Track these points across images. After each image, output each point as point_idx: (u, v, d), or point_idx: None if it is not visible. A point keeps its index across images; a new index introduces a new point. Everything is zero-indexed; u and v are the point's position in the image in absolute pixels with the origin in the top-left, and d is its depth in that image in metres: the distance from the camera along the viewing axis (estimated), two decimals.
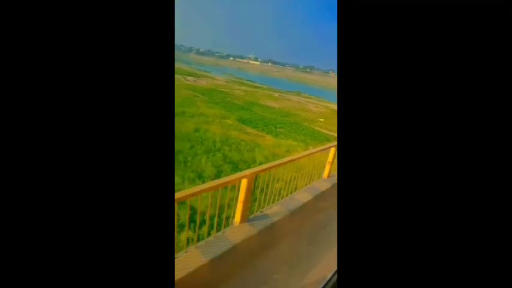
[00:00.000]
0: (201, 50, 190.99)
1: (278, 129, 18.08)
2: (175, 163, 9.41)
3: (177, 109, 17.00)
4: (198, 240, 1.93)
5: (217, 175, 8.93)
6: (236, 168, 9.93)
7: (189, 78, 38.47)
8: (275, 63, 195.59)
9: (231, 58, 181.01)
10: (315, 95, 49.12)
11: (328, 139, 17.70)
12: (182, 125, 14.04)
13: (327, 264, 2.05)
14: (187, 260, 1.69)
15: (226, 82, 44.28)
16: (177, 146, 11.04)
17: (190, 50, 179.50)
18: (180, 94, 23.42)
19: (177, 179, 8.09)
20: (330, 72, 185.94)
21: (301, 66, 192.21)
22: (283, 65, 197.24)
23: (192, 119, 16.29)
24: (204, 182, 8.27)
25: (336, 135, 19.00)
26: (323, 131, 20.35)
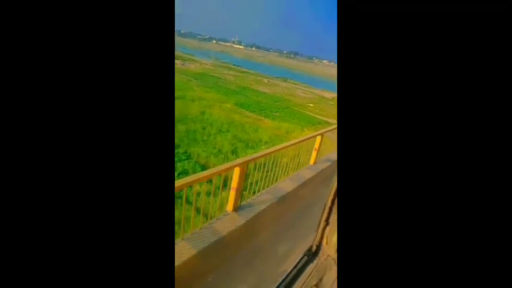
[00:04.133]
0: (182, 31, 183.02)
1: (274, 113, 19.39)
2: (195, 142, 10.53)
3: (176, 93, 17.65)
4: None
5: (234, 151, 10.24)
6: (247, 146, 11.24)
7: (176, 61, 38.14)
8: (259, 47, 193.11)
9: (214, 41, 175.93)
10: (301, 81, 50.43)
11: (319, 123, 19.35)
12: (189, 108, 14.97)
13: None
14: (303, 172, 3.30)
15: (213, 66, 44.22)
16: (191, 126, 12.11)
17: None
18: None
19: (203, 154, 9.31)
20: (314, 58, 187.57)
21: (284, 52, 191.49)
22: (267, 49, 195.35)
23: (194, 103, 17.12)
24: (224, 156, 9.52)
25: (326, 119, 20.72)
26: (314, 115, 21.97)
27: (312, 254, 1.18)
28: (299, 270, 1.11)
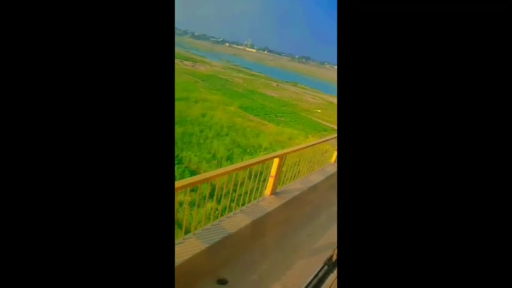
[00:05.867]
0: (196, 33, 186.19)
1: (279, 118, 18.81)
2: (189, 145, 10.06)
3: (181, 94, 17.37)
4: None
5: (230, 157, 9.69)
6: (245, 152, 10.68)
7: (186, 62, 38.26)
8: (271, 51, 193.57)
9: (227, 44, 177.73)
10: (311, 86, 49.70)
11: (325, 129, 18.61)
12: (190, 110, 14.59)
13: None
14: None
15: (224, 69, 44.18)
16: (189, 129, 11.66)
17: (185, 33, 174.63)
18: (180, 79, 23.60)
19: (195, 159, 8.79)
20: (325, 64, 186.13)
21: (296, 57, 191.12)
22: (279, 54, 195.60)
23: (197, 104, 16.76)
24: (218, 162, 9.00)
25: (332, 126, 19.96)
26: (321, 121, 21.23)
27: (332, 264, 1.16)
28: (319, 281, 1.06)
